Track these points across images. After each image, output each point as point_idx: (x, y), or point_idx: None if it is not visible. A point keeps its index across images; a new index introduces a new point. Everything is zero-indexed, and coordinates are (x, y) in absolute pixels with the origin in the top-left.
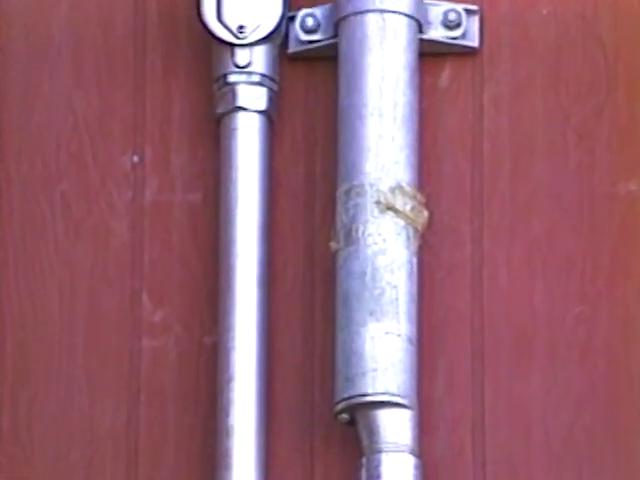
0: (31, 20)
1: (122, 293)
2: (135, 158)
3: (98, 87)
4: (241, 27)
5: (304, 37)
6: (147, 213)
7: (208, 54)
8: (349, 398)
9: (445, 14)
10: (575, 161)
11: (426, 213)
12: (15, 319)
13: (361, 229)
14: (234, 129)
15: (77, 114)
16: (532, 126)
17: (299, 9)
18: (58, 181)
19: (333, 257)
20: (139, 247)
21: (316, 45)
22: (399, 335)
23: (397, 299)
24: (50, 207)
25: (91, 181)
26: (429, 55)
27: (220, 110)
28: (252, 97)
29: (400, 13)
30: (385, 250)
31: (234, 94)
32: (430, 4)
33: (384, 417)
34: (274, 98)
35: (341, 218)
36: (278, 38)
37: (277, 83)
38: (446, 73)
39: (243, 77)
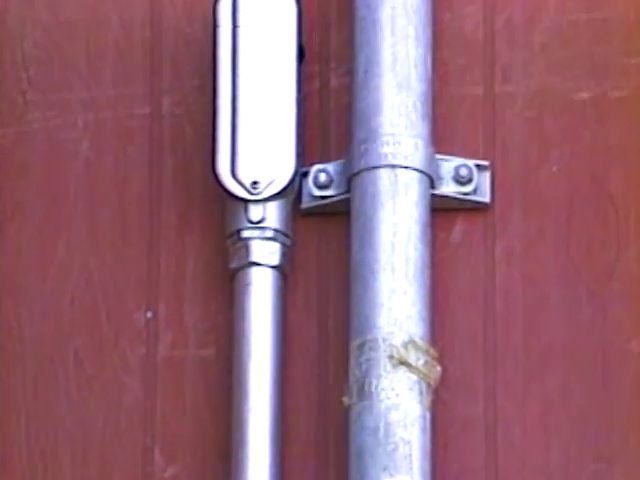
0: (48, 177)
1: (134, 449)
2: (149, 314)
3: (112, 243)
4: (255, 183)
5: (317, 192)
6: (160, 369)
7: (222, 209)
8: None
9: (456, 169)
10: (588, 317)
11: (439, 368)
12: (26, 476)
13: (374, 384)
14: (247, 284)
15: (91, 270)
16: (544, 281)
17: (312, 165)
18: (71, 338)
19: (346, 412)
20: (151, 403)
21: (329, 201)
22: None
23: (410, 455)
24: (63, 364)
25: (104, 337)
26: (441, 210)
27: (234, 265)
28: (265, 252)
29: (412, 168)
30: (398, 405)
31: (247, 249)
32: (441, 159)
33: None
34: (287, 253)
35: (354, 372)
36: (291, 193)
37: (290, 238)
38: (458, 228)
39: (256, 232)
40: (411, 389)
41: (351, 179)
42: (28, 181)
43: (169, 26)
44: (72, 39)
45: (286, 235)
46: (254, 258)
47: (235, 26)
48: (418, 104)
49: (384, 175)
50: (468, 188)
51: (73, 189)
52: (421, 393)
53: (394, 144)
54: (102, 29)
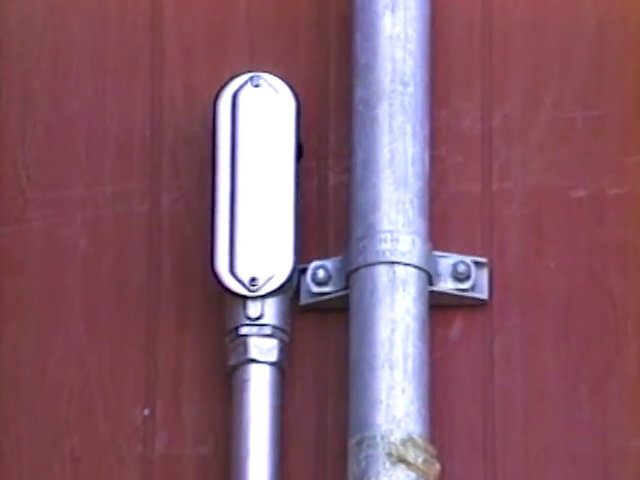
0: (46, 274)
1: None
2: (146, 411)
3: (111, 340)
4: (253, 280)
5: (315, 289)
6: (157, 466)
7: (220, 306)
8: None
9: (454, 266)
10: (587, 415)
11: (438, 466)
12: None
13: None
14: (246, 381)
15: (89, 368)
16: (543, 378)
17: (310, 261)
18: (68, 436)
19: None
20: None
21: (327, 297)
22: None
23: None
24: (60, 462)
25: (101, 435)
26: (439, 307)
27: (232, 362)
28: (264, 349)
29: (410, 265)
30: None
31: (246, 346)
32: (439, 256)
33: None
34: (285, 349)
35: (353, 470)
36: (290, 290)
37: (288, 334)
38: (456, 325)
39: (255, 329)
40: None
41: (349, 275)
42: (27, 279)
43: (169, 123)
44: (72, 137)
45: (284, 331)
46: (252, 355)
47: (234, 123)
48: (416, 201)
49: (382, 272)
50: (466, 285)
51: (71, 287)
52: None
53: (392, 241)
54: (103, 127)
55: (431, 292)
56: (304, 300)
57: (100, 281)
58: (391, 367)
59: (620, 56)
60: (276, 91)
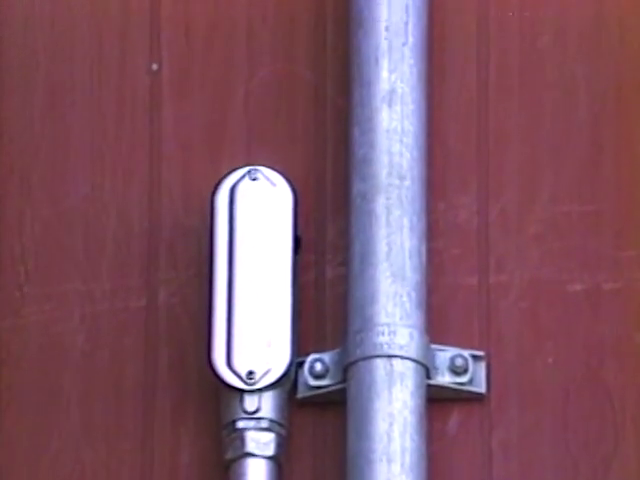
0: (43, 370)
1: None
2: None
3: (106, 435)
4: (250, 373)
5: (313, 382)
6: None
7: (217, 400)
8: None
9: (452, 360)
10: None
11: None
12: None
13: None
14: (243, 475)
15: (85, 464)
16: (541, 474)
17: (308, 354)
18: None
19: None
20: None
21: (325, 390)
22: None
23: None
24: None
25: None
26: (437, 400)
27: (229, 456)
28: (260, 443)
29: (408, 358)
30: None
31: (243, 440)
32: (437, 349)
33: None
34: (282, 443)
35: None
36: (287, 383)
37: (286, 428)
38: (454, 418)
39: (252, 423)
40: None
41: (347, 369)
42: (23, 373)
43: (167, 217)
44: (70, 233)
45: (281, 425)
46: (249, 449)
47: (232, 216)
48: (413, 294)
49: (380, 365)
50: (464, 378)
51: (68, 382)
52: None
53: (389, 334)
54: (100, 221)
55: (429, 385)
56: (301, 393)
57: (96, 376)
58: (389, 461)
59: (615, 151)
60: (273, 184)
